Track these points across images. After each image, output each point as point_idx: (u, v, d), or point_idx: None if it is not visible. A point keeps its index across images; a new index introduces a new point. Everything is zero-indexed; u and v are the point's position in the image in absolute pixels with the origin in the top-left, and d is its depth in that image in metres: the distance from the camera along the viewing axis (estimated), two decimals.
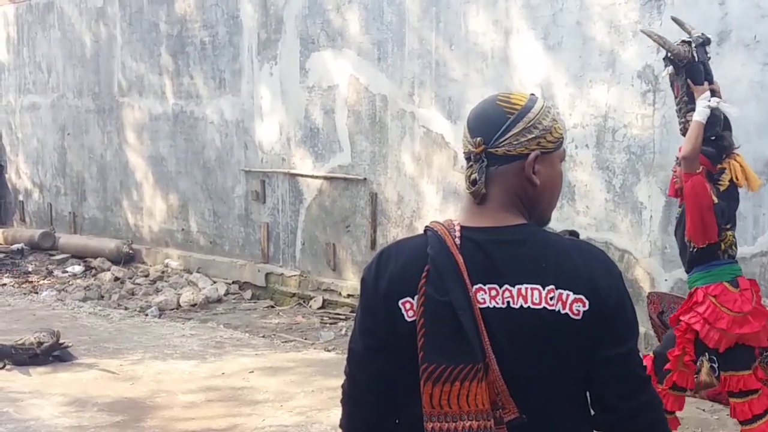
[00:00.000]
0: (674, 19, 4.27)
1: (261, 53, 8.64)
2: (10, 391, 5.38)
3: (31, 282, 9.40)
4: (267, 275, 8.76)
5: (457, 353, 1.50)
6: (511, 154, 1.58)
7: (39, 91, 11.53)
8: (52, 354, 6.00)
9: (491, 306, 1.52)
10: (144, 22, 9.86)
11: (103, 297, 8.64)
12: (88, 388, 5.42)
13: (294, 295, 8.47)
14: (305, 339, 6.91)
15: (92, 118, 10.75)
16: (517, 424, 1.51)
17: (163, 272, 9.55)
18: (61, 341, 6.09)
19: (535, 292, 1.52)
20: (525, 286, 1.52)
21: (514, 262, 1.54)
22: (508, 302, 1.52)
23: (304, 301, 8.31)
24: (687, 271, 4.06)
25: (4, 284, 9.12)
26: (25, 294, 8.62)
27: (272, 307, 8.37)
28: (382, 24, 7.55)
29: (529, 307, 1.51)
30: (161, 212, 10.02)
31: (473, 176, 1.61)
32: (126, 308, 8.10)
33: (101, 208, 10.81)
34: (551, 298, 1.51)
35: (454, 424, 1.50)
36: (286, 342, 6.78)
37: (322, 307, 8.08)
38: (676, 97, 4.06)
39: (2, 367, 5.87)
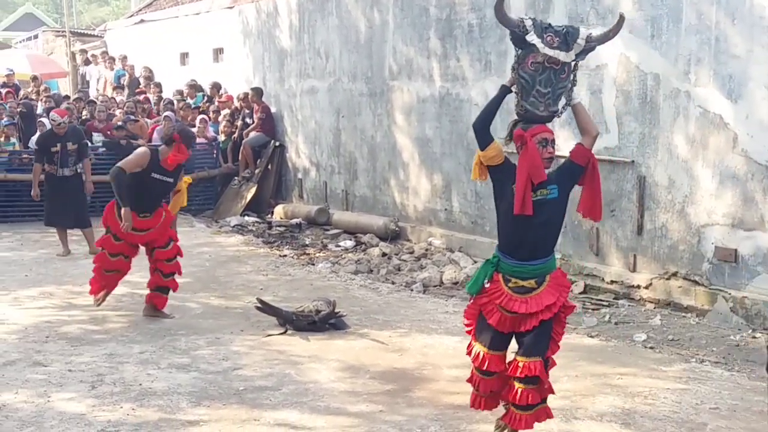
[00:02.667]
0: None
1: None
2: (291, 354, 5.86)
3: (308, 254, 10.14)
4: None
5: None
6: None
7: (317, 76, 12.34)
8: (328, 322, 6.46)
9: None
10: (415, 7, 10.19)
11: (372, 271, 9.12)
12: (360, 356, 5.77)
13: None
14: (567, 323, 6.83)
15: (365, 100, 11.33)
16: None
17: (426, 250, 9.88)
18: (336, 310, 6.53)
19: None
20: None
21: None
22: None
23: None
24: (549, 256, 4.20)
25: (285, 255, 9.90)
26: (303, 265, 9.31)
27: None
28: None
29: None
30: (426, 192, 10.36)
31: None
32: (393, 282, 8.49)
33: (371, 186, 11.38)
34: None
35: None
36: None
37: (584, 292, 7.94)
38: (562, 82, 4.14)
39: (284, 332, 6.41)
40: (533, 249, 4.17)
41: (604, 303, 7.53)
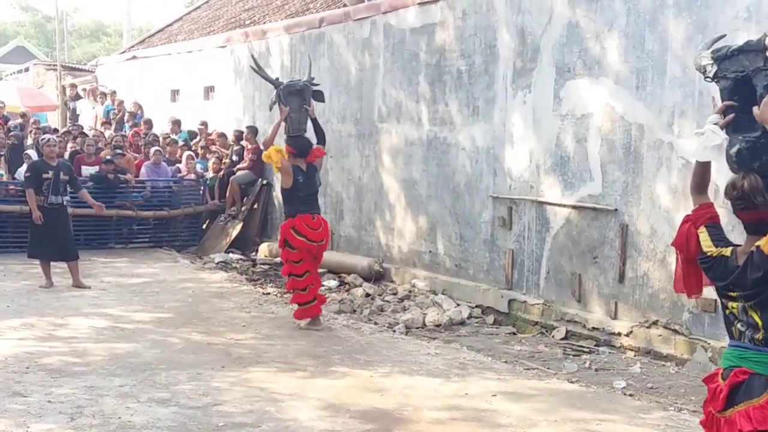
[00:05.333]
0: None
1: (515, 81, 8.76)
2: (272, 391, 5.84)
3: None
4: (510, 302, 8.81)
5: None
6: None
7: None
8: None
9: None
10: (405, 52, 10.35)
11: (355, 311, 9.13)
12: (341, 395, 5.76)
13: (536, 323, 8.45)
14: (548, 368, 6.87)
15: (353, 142, 11.43)
16: None
17: (410, 291, 9.91)
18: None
19: None
20: None
21: None
22: None
23: (546, 330, 8.26)
24: None
25: (268, 293, 9.89)
26: (286, 303, 9.28)
27: (514, 333, 8.41)
28: (643, 52, 7.39)
29: None
30: (411, 234, 10.42)
31: None
32: (376, 323, 8.50)
33: (356, 227, 11.43)
34: None
35: None
36: (528, 369, 6.79)
37: (565, 338, 7.99)
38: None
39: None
40: None
41: (585, 349, 7.57)
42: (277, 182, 13.21)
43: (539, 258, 8.54)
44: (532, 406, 5.59)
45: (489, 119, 9.15)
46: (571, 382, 6.39)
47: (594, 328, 7.83)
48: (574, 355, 7.41)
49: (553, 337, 8.07)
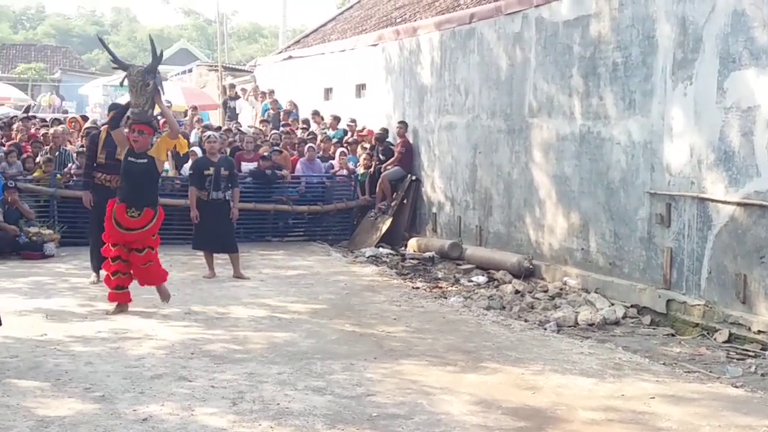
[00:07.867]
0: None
1: (675, 73, 8.42)
2: (423, 384, 5.89)
3: (441, 288, 10.19)
4: (668, 302, 8.48)
5: None
6: None
7: (456, 112, 12.47)
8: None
9: None
10: (558, 45, 10.16)
11: (504, 308, 9.07)
12: (492, 391, 5.74)
13: (697, 325, 8.09)
14: (710, 372, 6.58)
15: (502, 137, 11.35)
16: None
17: (561, 289, 9.73)
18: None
19: None
20: None
21: None
22: None
23: (707, 333, 7.90)
24: None
25: (417, 288, 9.98)
26: (435, 298, 9.36)
27: (673, 335, 8.09)
28: None
29: None
30: (562, 230, 10.23)
31: None
32: (526, 320, 8.40)
33: (505, 223, 11.34)
34: None
35: None
36: (689, 372, 6.52)
37: (728, 341, 7.62)
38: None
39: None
40: None
41: (750, 353, 7.19)
42: (427, 178, 13.34)
43: (700, 257, 8.17)
44: (694, 410, 5.37)
45: (646, 112, 8.84)
46: (736, 387, 6.09)
47: (760, 332, 7.41)
48: (738, 359, 7.06)
49: (715, 339, 7.71)
